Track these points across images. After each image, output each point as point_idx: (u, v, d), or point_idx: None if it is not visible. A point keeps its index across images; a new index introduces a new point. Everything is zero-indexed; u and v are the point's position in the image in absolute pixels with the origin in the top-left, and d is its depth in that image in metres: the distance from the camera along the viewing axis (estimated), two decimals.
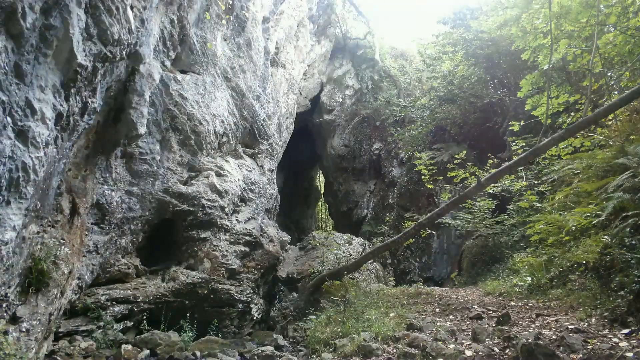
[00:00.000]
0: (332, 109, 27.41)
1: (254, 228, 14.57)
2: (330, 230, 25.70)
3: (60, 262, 7.43)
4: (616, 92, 10.85)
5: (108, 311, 10.28)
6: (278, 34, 17.90)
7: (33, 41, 5.21)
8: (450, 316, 8.25)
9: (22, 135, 5.22)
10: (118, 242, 10.49)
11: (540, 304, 7.83)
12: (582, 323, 6.06)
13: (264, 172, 16.40)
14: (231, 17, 13.71)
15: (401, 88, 26.61)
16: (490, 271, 12.66)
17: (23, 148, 5.25)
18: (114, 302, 10.53)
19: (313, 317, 10.18)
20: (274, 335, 11.28)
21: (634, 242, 6.74)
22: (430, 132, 20.96)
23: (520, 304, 8.19)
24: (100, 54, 6.67)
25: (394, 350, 6.41)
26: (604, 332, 5.56)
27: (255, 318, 14.29)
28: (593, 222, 7.98)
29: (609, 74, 11.27)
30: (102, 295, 10.35)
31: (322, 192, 36.42)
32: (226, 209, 13.40)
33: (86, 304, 9.83)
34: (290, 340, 10.85)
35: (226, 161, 14.13)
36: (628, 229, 7.06)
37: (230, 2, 13.38)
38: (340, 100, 27.52)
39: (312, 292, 12.43)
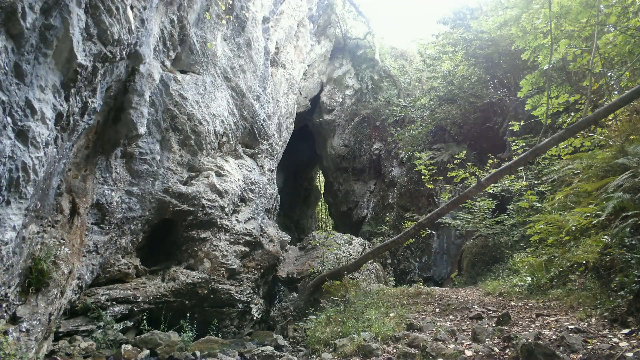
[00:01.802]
0: (332, 109, 27.43)
1: (254, 228, 14.58)
2: (330, 230, 25.70)
3: (60, 262, 7.43)
4: (616, 92, 10.83)
5: (108, 311, 10.30)
6: (278, 34, 17.90)
7: (33, 41, 5.21)
8: (450, 316, 8.24)
9: (22, 135, 5.22)
10: (118, 242, 10.50)
11: (540, 304, 7.82)
12: (582, 323, 6.05)
13: (264, 172, 16.40)
14: (231, 17, 13.70)
15: (401, 88, 26.62)
16: (490, 271, 12.66)
17: (23, 148, 5.25)
18: (114, 302, 10.55)
19: (313, 317, 10.18)
20: (274, 335, 11.27)
21: (634, 242, 6.73)
22: (430, 132, 20.99)
23: (520, 304, 8.18)
24: (100, 54, 6.67)
25: (394, 350, 6.41)
26: (604, 332, 5.55)
27: (255, 318, 14.31)
28: (593, 222, 7.98)
29: (609, 74, 11.26)
30: (102, 295, 10.37)
31: (322, 192, 36.43)
32: (226, 209, 13.41)
33: (86, 304, 9.84)
34: (291, 340, 10.85)
35: (226, 161, 14.14)
36: (628, 229, 7.05)
37: (230, 2, 13.38)
38: (340, 100, 27.54)
39: (312, 292, 12.44)
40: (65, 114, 6.34)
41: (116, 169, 9.90)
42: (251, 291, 13.78)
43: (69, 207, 8.26)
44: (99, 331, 9.78)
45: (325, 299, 11.40)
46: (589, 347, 5.01)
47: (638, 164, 8.07)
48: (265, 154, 16.73)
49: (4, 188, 5.07)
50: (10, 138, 4.97)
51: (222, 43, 13.57)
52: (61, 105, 6.14)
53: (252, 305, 13.97)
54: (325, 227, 37.48)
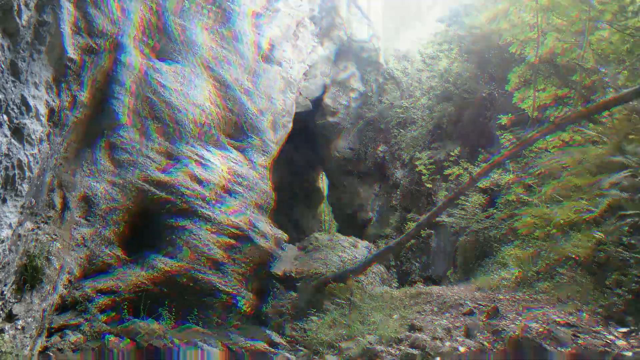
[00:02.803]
0: (336, 112, 27.41)
1: (241, 221, 14.60)
2: (334, 232, 25.84)
3: (52, 258, 7.55)
4: (610, 89, 10.96)
5: (93, 303, 10.35)
6: (272, 31, 17.90)
7: (28, 38, 5.30)
8: (446, 313, 8.47)
9: (18, 132, 5.31)
10: (102, 233, 10.59)
11: (527, 297, 8.05)
12: (571, 317, 6.25)
13: (254, 167, 16.41)
14: (213, 8, 13.73)
15: (404, 89, 26.76)
16: (481, 266, 12.90)
17: (19, 146, 5.34)
18: (98, 294, 10.58)
19: (315, 318, 10.29)
20: (267, 332, 11.33)
21: (632, 241, 6.86)
22: (429, 131, 21.14)
23: (508, 297, 8.42)
24: (87, 46, 6.78)
25: (397, 352, 6.58)
26: (597, 327, 5.72)
27: (242, 312, 14.33)
28: (584, 217, 8.12)
29: (603, 70, 11.37)
30: (88, 287, 10.40)
31: (326, 194, 36.46)
32: (207, 198, 13.43)
33: (75, 297, 9.91)
34: (288, 339, 10.92)
35: (207, 150, 14.13)
36: (626, 228, 7.17)
37: None
38: (345, 103, 27.50)
39: (314, 293, 12.54)
40: (57, 109, 6.43)
41: (100, 160, 9.98)
42: (237, 284, 13.83)
43: (60, 202, 8.37)
44: (86, 323, 9.87)
45: (329, 301, 11.51)
46: (579, 341, 5.18)
47: (638, 164, 8.19)
48: (256, 149, 16.74)
49: (0, 186, 5.16)
50: (6, 136, 5.06)
51: (202, 32, 13.58)
52: (53, 100, 6.25)
53: (238, 298, 14.01)
54: (329, 229, 37.60)
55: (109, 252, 11.08)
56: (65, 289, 8.89)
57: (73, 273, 9.13)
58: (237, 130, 15.91)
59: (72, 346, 8.81)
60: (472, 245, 14.03)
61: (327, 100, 27.14)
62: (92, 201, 9.73)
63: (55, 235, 8.00)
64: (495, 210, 13.66)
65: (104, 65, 8.43)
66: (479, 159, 14.29)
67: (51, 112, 6.28)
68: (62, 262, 7.99)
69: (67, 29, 6.07)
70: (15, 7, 4.83)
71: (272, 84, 17.88)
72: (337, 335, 8.37)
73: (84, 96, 7.61)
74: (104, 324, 10.21)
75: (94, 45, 6.96)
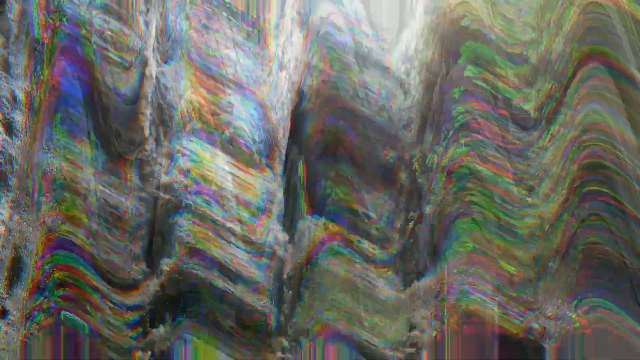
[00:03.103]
0: (307, 94, 27.22)
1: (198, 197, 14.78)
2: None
3: (28, 244, 7.52)
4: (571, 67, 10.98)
5: (50, 279, 10.32)
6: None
7: (15, 31, 5.29)
8: None
9: (9, 127, 5.33)
10: (58, 208, 10.54)
11: (530, 299, 8.45)
12: (553, 307, 6.65)
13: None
14: None
15: (406, 90, 26.48)
16: None
17: (9, 140, 5.35)
18: (54, 269, 10.54)
19: None
20: None
21: (579, 209, 6.92)
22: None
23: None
24: (46, 23, 6.67)
25: None
26: (564, 309, 6.11)
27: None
28: (555, 199, 8.39)
29: (560, 47, 11.32)
30: (47, 264, 10.35)
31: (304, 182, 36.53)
32: (187, 186, 13.50)
33: (40, 277, 9.85)
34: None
35: (190, 141, 14.16)
36: (577, 199, 7.31)
37: None
38: (310, 84, 27.32)
39: None
40: (29, 93, 6.36)
41: (55, 135, 9.90)
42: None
43: (32, 187, 8.30)
44: (45, 301, 9.83)
45: None
46: (558, 329, 5.59)
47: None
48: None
49: None
50: (1, 133, 5.06)
51: (185, 20, 13.47)
52: (29, 85, 6.17)
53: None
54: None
55: (65, 228, 10.95)
56: (34, 271, 8.88)
57: (39, 254, 9.10)
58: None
59: (37, 327, 8.84)
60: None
61: (302, 86, 26.89)
62: (48, 177, 9.62)
63: (30, 220, 7.97)
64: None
65: (61, 41, 8.29)
66: None
67: (28, 98, 6.22)
68: (33, 246, 7.98)
69: (35, 9, 6.00)
70: (7, 2, 4.80)
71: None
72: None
73: (44, 74, 7.52)
74: (61, 300, 10.18)
75: (50, 21, 6.87)
